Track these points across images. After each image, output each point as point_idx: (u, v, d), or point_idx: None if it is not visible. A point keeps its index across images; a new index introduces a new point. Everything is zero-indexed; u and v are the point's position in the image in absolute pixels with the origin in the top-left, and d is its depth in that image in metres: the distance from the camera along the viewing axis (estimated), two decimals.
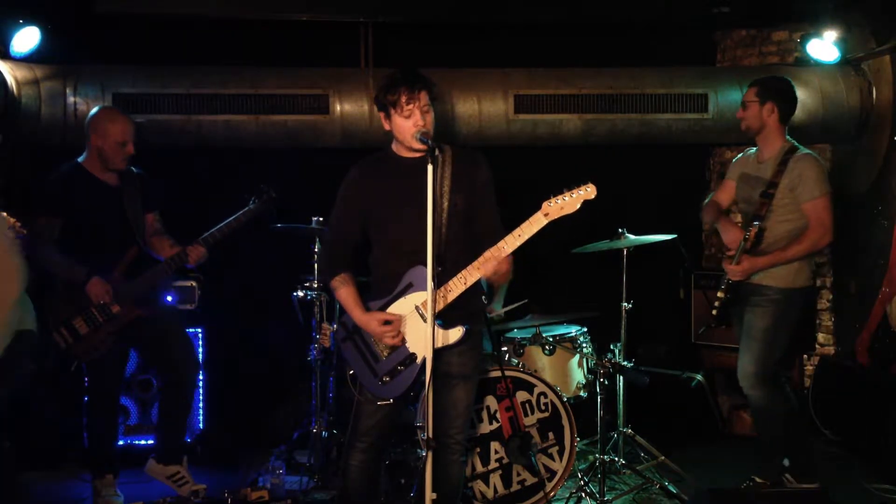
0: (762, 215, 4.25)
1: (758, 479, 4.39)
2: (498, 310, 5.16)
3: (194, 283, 5.12)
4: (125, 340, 4.40)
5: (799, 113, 5.52)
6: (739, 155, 4.59)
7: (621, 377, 4.74)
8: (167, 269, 4.37)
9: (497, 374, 4.26)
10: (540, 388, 4.38)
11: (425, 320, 3.27)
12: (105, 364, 4.35)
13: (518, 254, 3.41)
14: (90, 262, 4.21)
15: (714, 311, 4.43)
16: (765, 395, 4.26)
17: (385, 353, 3.40)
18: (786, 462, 4.37)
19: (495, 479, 4.28)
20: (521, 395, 4.35)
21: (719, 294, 4.39)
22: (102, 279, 4.21)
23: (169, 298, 4.93)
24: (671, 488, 4.49)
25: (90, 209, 4.27)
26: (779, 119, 4.31)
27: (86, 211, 4.25)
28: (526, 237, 3.22)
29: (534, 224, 3.21)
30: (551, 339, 4.77)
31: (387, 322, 3.35)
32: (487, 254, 3.24)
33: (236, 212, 4.46)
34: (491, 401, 4.30)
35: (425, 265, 3.12)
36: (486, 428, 4.29)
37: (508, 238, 3.23)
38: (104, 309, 4.24)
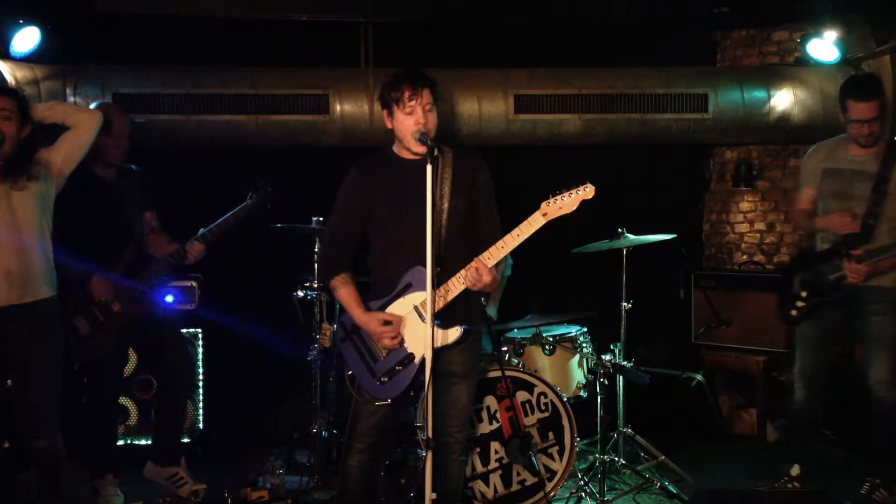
0: (878, 212, 4.04)
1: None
2: (491, 314, 5.15)
3: (194, 283, 5.12)
4: (124, 340, 4.40)
5: (799, 113, 5.57)
6: (812, 152, 4.34)
7: (621, 377, 4.74)
8: (165, 267, 4.37)
9: (497, 374, 4.26)
10: (540, 387, 4.37)
11: (424, 320, 3.27)
12: (104, 364, 4.34)
13: (518, 254, 3.42)
14: (89, 259, 4.20)
15: (794, 312, 4.28)
16: None
17: (383, 354, 3.40)
18: (793, 471, 4.34)
19: (495, 479, 4.28)
20: (521, 395, 4.35)
21: (803, 294, 4.24)
22: (104, 276, 4.21)
23: (169, 298, 4.92)
24: (671, 488, 4.49)
25: (88, 203, 4.25)
26: None
27: (83, 205, 4.23)
28: (524, 237, 3.23)
29: (532, 224, 3.23)
30: (551, 339, 4.76)
31: (387, 322, 3.35)
32: (472, 263, 3.23)
33: (234, 209, 4.47)
34: (491, 401, 4.29)
35: (424, 265, 3.13)
36: (486, 428, 4.28)
37: (507, 238, 3.24)
38: (105, 307, 4.24)
